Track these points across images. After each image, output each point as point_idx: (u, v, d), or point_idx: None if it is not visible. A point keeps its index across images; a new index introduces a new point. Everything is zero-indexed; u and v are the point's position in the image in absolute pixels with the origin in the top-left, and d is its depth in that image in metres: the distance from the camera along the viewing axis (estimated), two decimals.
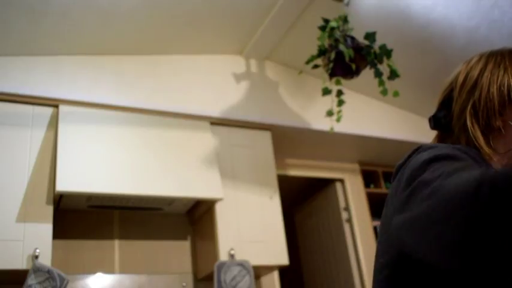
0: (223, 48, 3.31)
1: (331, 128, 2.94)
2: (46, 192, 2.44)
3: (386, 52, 2.66)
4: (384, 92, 2.71)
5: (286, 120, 3.33)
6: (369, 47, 2.64)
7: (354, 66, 2.57)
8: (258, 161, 3.12)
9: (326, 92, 2.78)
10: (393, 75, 2.67)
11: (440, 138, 0.91)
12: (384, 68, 2.69)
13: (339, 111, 2.82)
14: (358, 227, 3.80)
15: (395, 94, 2.74)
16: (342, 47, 2.55)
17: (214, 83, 3.22)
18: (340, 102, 2.83)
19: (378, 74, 2.70)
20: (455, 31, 2.98)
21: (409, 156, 0.75)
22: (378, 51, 2.65)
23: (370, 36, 2.67)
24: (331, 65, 2.60)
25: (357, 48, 2.61)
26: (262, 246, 2.87)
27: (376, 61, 2.65)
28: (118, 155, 2.64)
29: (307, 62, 2.74)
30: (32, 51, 2.69)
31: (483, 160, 0.76)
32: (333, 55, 2.58)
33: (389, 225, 0.70)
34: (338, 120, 2.83)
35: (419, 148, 0.75)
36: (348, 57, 2.53)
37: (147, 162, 2.69)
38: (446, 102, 0.89)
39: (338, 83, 2.70)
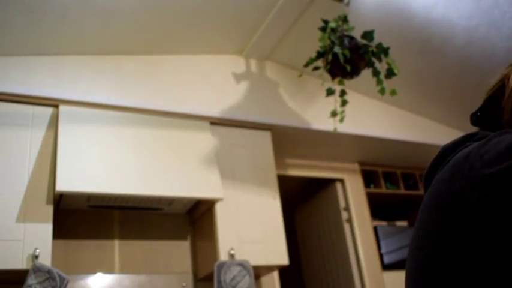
0: (223, 48, 3.31)
1: (334, 129, 2.93)
2: (46, 192, 2.44)
3: (383, 50, 2.64)
4: (382, 91, 2.70)
5: (286, 120, 3.33)
6: (367, 46, 2.63)
7: (348, 68, 2.56)
8: (258, 161, 3.12)
9: (330, 92, 2.77)
10: (389, 73, 2.66)
11: None
12: (382, 66, 2.68)
13: (342, 112, 2.82)
14: (358, 227, 3.80)
15: (393, 93, 2.70)
16: (336, 48, 2.54)
17: (214, 83, 3.21)
18: (344, 102, 2.83)
19: (376, 73, 2.69)
20: (455, 31, 2.98)
21: (462, 142, 0.75)
22: (375, 50, 2.64)
23: (368, 34, 2.65)
24: (328, 66, 2.60)
25: (354, 47, 2.60)
26: (262, 246, 2.87)
27: (374, 60, 2.64)
28: (118, 155, 2.64)
29: (306, 65, 2.72)
30: (32, 51, 2.69)
31: None
32: (330, 57, 2.58)
33: (460, 201, 0.67)
34: (341, 120, 2.83)
35: (476, 134, 0.75)
36: (342, 58, 2.52)
37: (147, 162, 2.70)
38: (493, 99, 0.89)
39: (341, 83, 2.70)
